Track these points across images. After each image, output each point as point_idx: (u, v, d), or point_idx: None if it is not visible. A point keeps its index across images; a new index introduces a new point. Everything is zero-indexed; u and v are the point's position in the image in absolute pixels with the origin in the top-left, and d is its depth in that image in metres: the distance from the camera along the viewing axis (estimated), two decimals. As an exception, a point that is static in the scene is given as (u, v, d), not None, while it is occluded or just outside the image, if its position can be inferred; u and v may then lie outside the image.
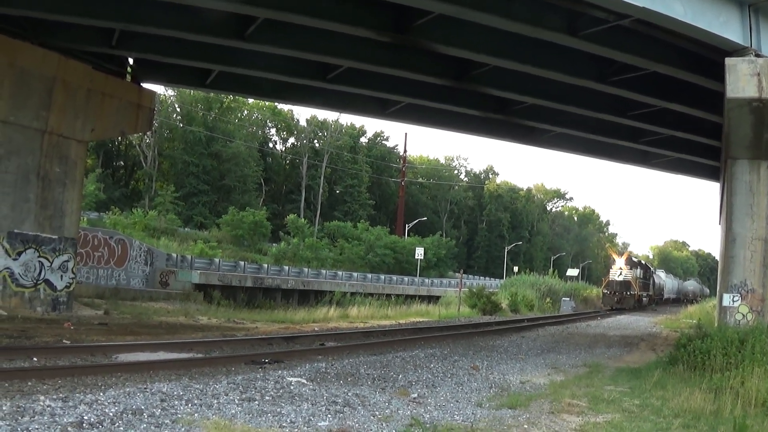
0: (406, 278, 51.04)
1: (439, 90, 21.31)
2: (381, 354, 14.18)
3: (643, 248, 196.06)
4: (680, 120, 22.20)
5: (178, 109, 64.60)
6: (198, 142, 59.92)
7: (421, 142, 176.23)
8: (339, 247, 56.13)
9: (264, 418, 7.20)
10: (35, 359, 10.40)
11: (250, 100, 67.27)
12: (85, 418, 6.49)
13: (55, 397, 7.36)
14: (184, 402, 7.61)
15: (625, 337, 24.00)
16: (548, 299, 44.78)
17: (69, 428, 6.14)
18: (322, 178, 71.54)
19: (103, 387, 8.39)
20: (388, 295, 37.76)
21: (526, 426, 7.74)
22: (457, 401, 9.13)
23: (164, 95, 61.87)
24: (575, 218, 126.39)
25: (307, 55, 18.31)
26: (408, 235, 65.09)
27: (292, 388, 9.10)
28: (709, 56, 15.28)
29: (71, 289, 19.27)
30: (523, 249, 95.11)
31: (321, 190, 71.34)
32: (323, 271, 43.37)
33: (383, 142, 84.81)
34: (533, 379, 11.82)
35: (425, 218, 72.79)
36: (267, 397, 8.31)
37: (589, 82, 18.77)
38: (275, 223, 57.78)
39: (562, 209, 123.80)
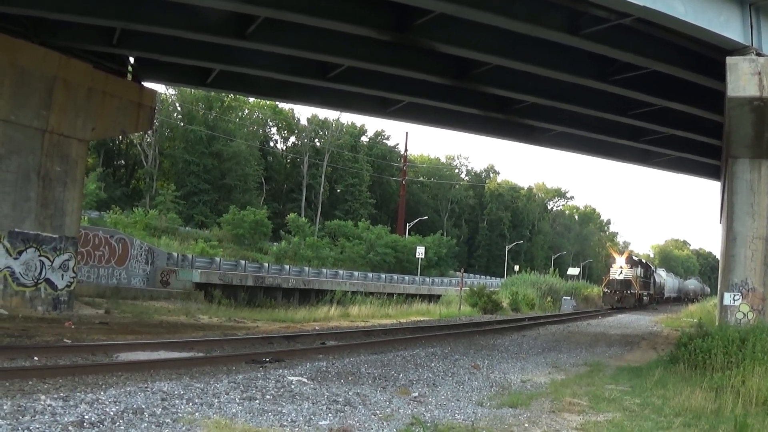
0: (406, 277, 51.04)
1: (440, 89, 21.30)
2: (382, 353, 14.19)
3: (643, 247, 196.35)
4: (681, 119, 22.19)
5: (179, 108, 64.61)
6: (199, 141, 59.94)
7: (421, 141, 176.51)
8: (340, 246, 56.12)
9: (265, 417, 7.20)
10: (36, 358, 10.40)
11: (251, 99, 67.30)
12: (86, 417, 6.49)
13: (55, 396, 7.36)
14: (185, 401, 7.62)
15: (626, 336, 24.00)
16: (549, 298, 44.81)
17: (70, 427, 6.14)
18: (323, 177, 71.55)
19: (103, 386, 8.39)
20: (389, 294, 37.75)
21: (527, 425, 7.74)
22: (458, 400, 9.13)
23: (165, 94, 62.01)
24: (576, 217, 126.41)
25: (307, 54, 18.32)
26: (409, 234, 65.08)
27: (292, 387, 9.10)
28: (709, 55, 15.26)
29: (72, 288, 19.28)
30: (524, 248, 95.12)
31: (322, 189, 71.36)
32: (324, 270, 43.36)
33: (384, 141, 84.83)
34: (534, 378, 11.83)
35: (426, 217, 72.76)
36: (268, 396, 8.32)
37: (590, 80, 18.76)
38: (276, 222, 57.78)
39: (563, 208, 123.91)
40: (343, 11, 15.54)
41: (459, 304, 34.17)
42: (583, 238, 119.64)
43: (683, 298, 69.97)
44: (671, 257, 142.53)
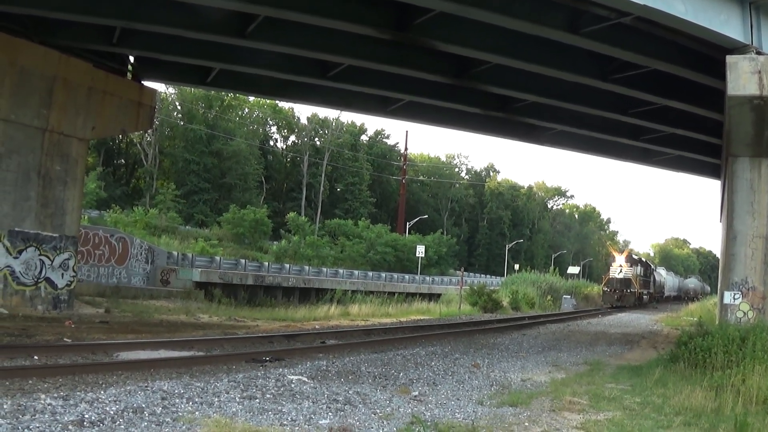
0: (407, 276, 51.04)
1: (440, 88, 21.29)
2: (382, 352, 14.19)
3: (644, 246, 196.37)
4: (681, 117, 22.18)
5: (179, 107, 64.60)
6: (199, 140, 59.94)
7: (421, 140, 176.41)
8: (340, 245, 56.11)
9: (265, 416, 7.20)
10: (36, 357, 10.40)
11: (251, 98, 67.27)
12: (86, 416, 6.49)
13: (55, 395, 7.36)
14: (185, 400, 7.62)
15: (626, 334, 24.00)
16: (549, 297, 44.83)
17: (70, 426, 6.14)
18: (323, 176, 71.56)
19: (104, 385, 8.39)
20: (389, 293, 37.75)
21: (527, 424, 7.74)
22: (458, 399, 9.13)
23: (165, 93, 61.98)
24: (576, 216, 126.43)
25: (307, 53, 18.31)
26: (409, 232, 65.07)
27: (293, 386, 9.10)
28: (710, 54, 15.25)
29: (72, 287, 19.28)
30: (524, 247, 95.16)
31: (322, 188, 71.37)
32: (324, 269, 43.36)
33: (384, 140, 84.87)
34: (534, 377, 11.82)
35: (426, 216, 72.73)
36: (268, 395, 8.31)
37: (590, 79, 18.76)
38: (276, 221, 57.78)
39: (563, 207, 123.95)
40: (343, 10, 15.53)
41: (459, 303, 34.17)
42: (584, 236, 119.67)
43: (683, 296, 69.96)
44: (671, 256, 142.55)
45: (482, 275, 69.44)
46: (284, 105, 72.23)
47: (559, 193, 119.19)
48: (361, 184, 73.86)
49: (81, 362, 10.25)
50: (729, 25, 14.01)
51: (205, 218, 57.83)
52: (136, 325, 16.75)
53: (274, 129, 77.63)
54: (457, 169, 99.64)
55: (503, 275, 68.04)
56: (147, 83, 21.75)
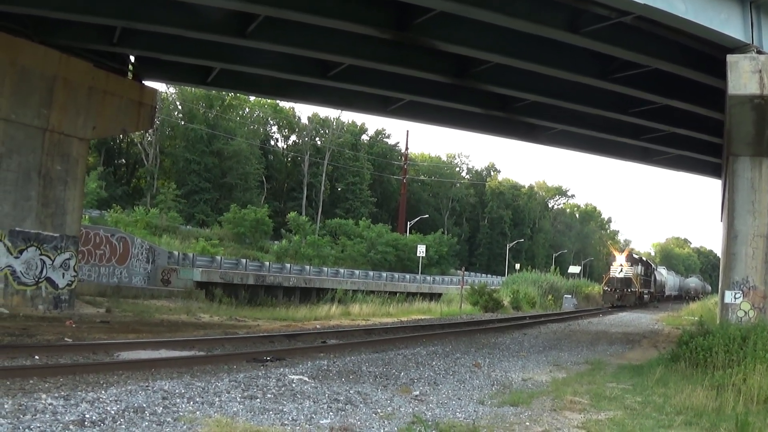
0: (407, 276, 51.05)
1: (441, 87, 21.29)
2: (383, 351, 14.19)
3: (644, 245, 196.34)
4: (682, 117, 22.17)
5: (180, 107, 64.62)
6: (199, 140, 59.96)
7: (422, 140, 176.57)
8: (341, 245, 56.14)
9: (266, 416, 7.20)
10: (37, 357, 10.40)
11: (252, 98, 67.29)
12: (87, 416, 6.49)
13: (56, 395, 7.36)
14: (185, 400, 7.62)
15: (627, 334, 23.99)
16: (550, 296, 44.87)
17: (71, 426, 6.14)
18: (324, 175, 71.56)
19: (104, 385, 8.39)
20: (390, 293, 37.77)
21: (528, 423, 7.73)
22: (459, 399, 9.12)
23: (165, 93, 62.00)
24: (577, 215, 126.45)
25: (308, 52, 18.31)
26: (410, 232, 65.08)
27: (293, 385, 9.10)
28: (710, 53, 15.24)
29: (73, 287, 19.29)
30: (525, 246, 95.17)
31: (323, 188, 71.39)
32: (325, 269, 43.36)
33: (385, 139, 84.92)
34: (535, 377, 11.82)
35: (427, 216, 72.74)
36: (269, 395, 8.31)
37: (591, 79, 18.75)
38: (277, 220, 57.81)
39: (564, 206, 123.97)
40: (344, 10, 15.53)
41: (460, 302, 34.18)
42: (584, 236, 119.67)
43: (684, 296, 69.93)
44: (672, 255, 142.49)
45: (483, 275, 69.42)
46: (285, 105, 72.44)
47: (560, 192, 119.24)
48: (361, 183, 73.88)
49: (82, 362, 10.26)
50: (729, 25, 14.00)
51: (205, 218, 57.85)
52: (137, 325, 16.76)
53: (274, 129, 77.70)
54: (457, 169, 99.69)
55: (504, 275, 68.03)
56: (147, 83, 21.80)
